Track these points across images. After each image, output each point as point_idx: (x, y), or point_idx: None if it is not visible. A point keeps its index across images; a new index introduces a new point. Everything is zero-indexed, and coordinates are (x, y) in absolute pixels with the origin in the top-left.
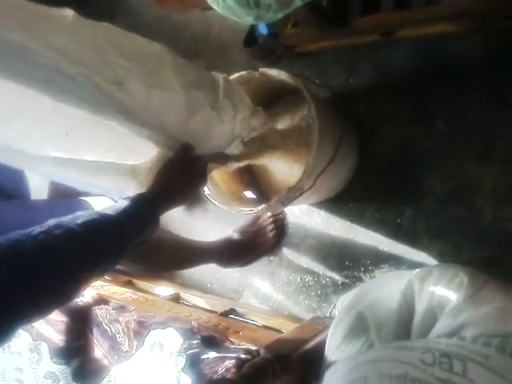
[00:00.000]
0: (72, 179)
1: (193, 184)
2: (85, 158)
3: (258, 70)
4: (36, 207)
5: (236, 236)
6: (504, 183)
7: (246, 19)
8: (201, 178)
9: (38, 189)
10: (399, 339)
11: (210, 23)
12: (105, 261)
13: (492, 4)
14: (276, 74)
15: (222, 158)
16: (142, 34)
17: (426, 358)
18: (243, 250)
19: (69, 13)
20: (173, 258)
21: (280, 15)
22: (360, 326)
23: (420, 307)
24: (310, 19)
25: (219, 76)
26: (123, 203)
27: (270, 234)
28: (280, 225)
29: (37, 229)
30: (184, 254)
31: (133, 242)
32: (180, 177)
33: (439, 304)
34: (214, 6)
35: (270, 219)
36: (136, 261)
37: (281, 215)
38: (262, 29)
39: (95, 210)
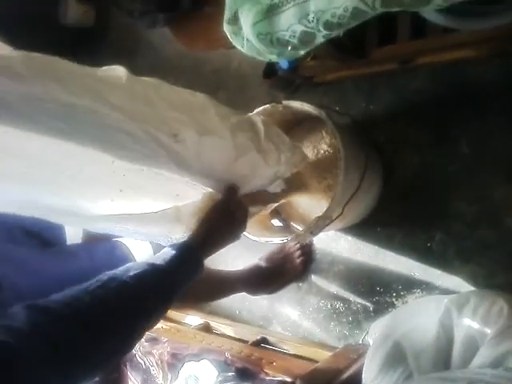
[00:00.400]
0: (121, 231)
1: (235, 230)
2: (133, 210)
3: (280, 103)
4: (76, 254)
5: (263, 263)
6: None
7: (269, 57)
8: (243, 223)
9: (72, 232)
10: (439, 369)
11: (229, 57)
12: (158, 310)
13: (507, 32)
14: (299, 105)
15: (262, 201)
16: (163, 69)
17: None
18: (271, 277)
19: (122, 73)
20: (206, 290)
21: (302, 52)
22: (397, 356)
23: (459, 336)
24: (330, 52)
25: (257, 118)
26: (170, 252)
27: (297, 261)
28: (307, 251)
29: (93, 284)
30: (216, 286)
31: (181, 289)
32: (223, 223)
33: (479, 332)
34: (239, 47)
35: (297, 245)
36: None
37: (307, 241)
38: (283, 63)
39: (145, 260)
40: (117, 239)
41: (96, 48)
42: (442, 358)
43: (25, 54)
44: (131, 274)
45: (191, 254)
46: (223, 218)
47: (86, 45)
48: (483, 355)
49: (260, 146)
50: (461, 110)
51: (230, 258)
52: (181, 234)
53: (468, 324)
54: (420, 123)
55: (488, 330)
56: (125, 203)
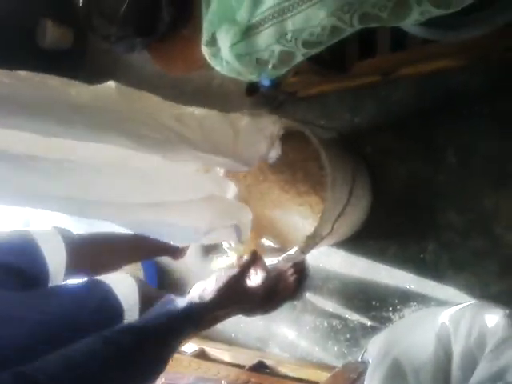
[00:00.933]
0: (157, 223)
1: (242, 302)
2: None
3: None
4: (59, 296)
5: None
6: None
7: (249, 77)
8: (252, 300)
9: (56, 270)
10: None
11: (211, 75)
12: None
13: (486, 41)
14: (280, 121)
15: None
16: (143, 88)
17: None
18: (265, 297)
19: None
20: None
21: (282, 71)
22: (397, 374)
23: (457, 350)
24: (311, 68)
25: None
26: (186, 308)
27: (291, 279)
28: (300, 268)
29: (112, 334)
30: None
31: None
32: (235, 293)
33: (477, 345)
34: (218, 68)
35: (290, 263)
36: None
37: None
38: (265, 81)
39: (163, 310)
40: (98, 278)
41: (75, 70)
42: (442, 374)
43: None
44: (149, 325)
45: (203, 313)
46: (236, 291)
47: (65, 67)
48: (482, 370)
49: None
50: (445, 120)
51: None
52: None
53: (465, 339)
54: (406, 134)
55: (486, 344)
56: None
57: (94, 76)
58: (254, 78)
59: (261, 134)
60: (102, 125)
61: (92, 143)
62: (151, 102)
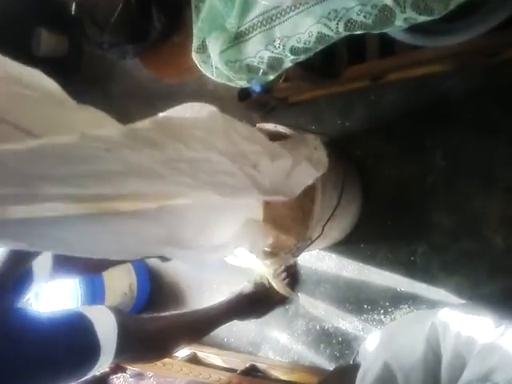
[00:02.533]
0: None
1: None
2: None
3: (255, 126)
4: (39, 321)
5: (249, 288)
6: (510, 212)
7: (239, 83)
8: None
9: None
10: None
11: (204, 81)
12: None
13: (473, 45)
14: (272, 127)
15: None
16: (139, 95)
17: None
18: (257, 301)
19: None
20: (186, 338)
21: (271, 77)
22: (387, 377)
23: (446, 352)
24: (300, 74)
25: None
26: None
27: (283, 283)
28: (292, 272)
29: None
30: (204, 327)
31: None
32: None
33: (466, 347)
34: (209, 75)
35: (282, 267)
36: (150, 355)
37: (291, 262)
38: (255, 86)
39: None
40: (78, 309)
41: (71, 77)
42: (432, 376)
43: (155, 122)
44: None
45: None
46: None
47: (60, 74)
48: (471, 370)
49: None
50: (433, 123)
51: (215, 284)
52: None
53: (454, 339)
54: (395, 137)
55: (474, 346)
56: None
57: (89, 83)
58: (244, 83)
59: (309, 165)
60: None
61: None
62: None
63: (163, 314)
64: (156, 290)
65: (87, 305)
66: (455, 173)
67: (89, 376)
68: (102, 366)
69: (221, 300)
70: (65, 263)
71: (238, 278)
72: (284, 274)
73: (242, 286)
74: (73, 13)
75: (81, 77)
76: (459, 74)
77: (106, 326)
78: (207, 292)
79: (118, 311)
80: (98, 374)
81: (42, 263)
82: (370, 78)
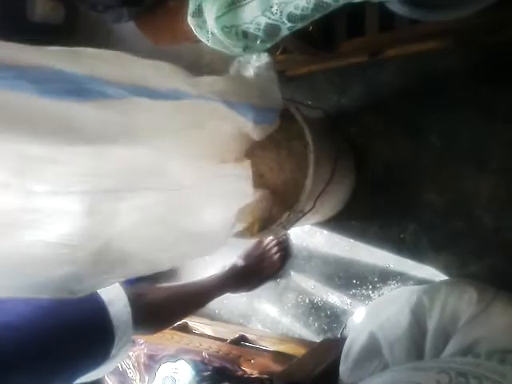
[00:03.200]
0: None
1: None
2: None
3: None
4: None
5: (240, 262)
6: (502, 193)
7: (235, 50)
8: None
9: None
10: (413, 358)
11: (200, 53)
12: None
13: (472, 22)
14: None
15: None
16: None
17: (442, 379)
18: (249, 275)
19: None
20: (187, 309)
21: (268, 45)
22: (372, 348)
23: (431, 325)
24: (298, 46)
25: None
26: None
27: (275, 257)
28: (284, 246)
29: None
30: (196, 301)
31: None
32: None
33: (451, 320)
34: (204, 40)
35: (274, 242)
36: (155, 326)
37: (284, 236)
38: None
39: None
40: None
41: (67, 44)
42: (416, 348)
43: None
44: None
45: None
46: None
47: (56, 41)
48: (454, 344)
49: None
50: (430, 102)
51: (208, 257)
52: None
53: (440, 313)
54: (391, 115)
55: (458, 319)
56: None
57: (88, 47)
58: (239, 51)
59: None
60: None
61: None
62: None
63: (165, 285)
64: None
65: None
66: (449, 152)
67: (109, 364)
68: (122, 350)
69: (214, 273)
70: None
71: (230, 251)
72: (276, 248)
73: (234, 259)
74: None
75: (76, 44)
76: (458, 52)
77: (118, 305)
78: (199, 263)
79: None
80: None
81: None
82: (368, 53)
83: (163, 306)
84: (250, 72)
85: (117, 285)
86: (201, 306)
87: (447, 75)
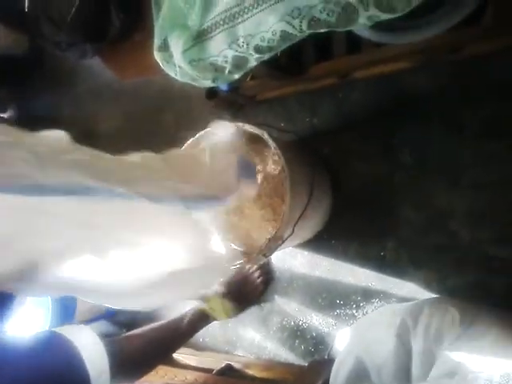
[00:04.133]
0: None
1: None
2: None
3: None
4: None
5: (222, 290)
6: (476, 206)
7: (204, 83)
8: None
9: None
10: (401, 381)
11: (171, 80)
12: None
13: (437, 43)
14: (240, 126)
15: None
16: (105, 94)
17: None
18: (232, 302)
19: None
20: (169, 349)
21: (236, 76)
22: (360, 372)
23: (416, 346)
24: (267, 72)
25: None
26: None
27: (257, 281)
28: (266, 270)
29: None
30: (179, 338)
31: None
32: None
33: (435, 342)
34: (172, 74)
35: (255, 266)
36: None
37: (265, 260)
38: (222, 85)
39: None
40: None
41: (33, 76)
42: (403, 371)
43: None
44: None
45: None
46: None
47: (21, 73)
48: (440, 365)
49: None
50: (401, 120)
51: None
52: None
53: (423, 335)
54: (363, 135)
55: (443, 339)
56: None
57: (53, 82)
58: (208, 83)
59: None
60: None
61: None
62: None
63: (141, 330)
64: None
65: (57, 315)
66: (422, 169)
67: None
68: None
69: (195, 304)
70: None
71: None
72: (258, 273)
73: (215, 287)
74: (26, 9)
75: (44, 76)
76: (424, 70)
77: (94, 355)
78: None
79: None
80: None
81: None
82: (338, 75)
83: (143, 354)
84: (206, 153)
85: (96, 339)
86: (184, 341)
87: (416, 93)
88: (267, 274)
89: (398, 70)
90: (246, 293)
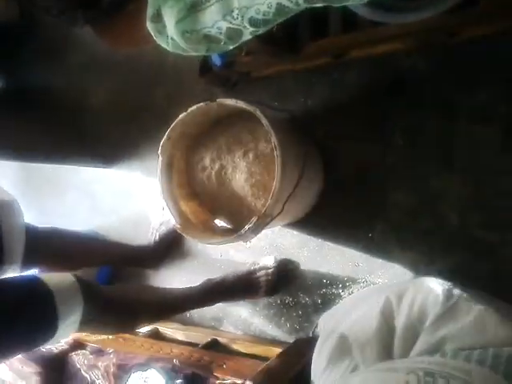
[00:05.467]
0: None
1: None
2: None
3: (214, 101)
4: None
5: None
6: (466, 191)
7: (195, 54)
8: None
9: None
10: (383, 358)
11: (163, 53)
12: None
13: (433, 24)
14: (233, 103)
15: None
16: (96, 66)
17: (411, 379)
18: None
19: None
20: (155, 308)
21: (230, 47)
22: (343, 348)
23: (400, 324)
24: (262, 48)
25: None
26: None
27: (261, 280)
28: (280, 270)
29: None
30: (174, 309)
31: None
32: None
33: (418, 320)
34: (164, 45)
35: (266, 265)
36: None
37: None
38: (216, 59)
39: None
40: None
41: (23, 45)
42: (385, 348)
43: None
44: None
45: None
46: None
47: (12, 42)
48: (422, 342)
49: None
50: (394, 102)
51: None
52: None
53: (407, 313)
54: (356, 117)
55: (426, 318)
56: None
57: (43, 52)
58: (201, 53)
59: None
60: None
61: None
62: None
63: (134, 285)
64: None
65: None
66: (414, 152)
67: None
68: (62, 337)
69: (194, 286)
70: (34, 256)
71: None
72: (264, 271)
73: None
74: None
75: (34, 46)
76: (420, 54)
77: (67, 296)
78: (170, 270)
79: (81, 279)
80: (55, 351)
81: (13, 253)
82: (333, 54)
83: (126, 302)
84: None
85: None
86: (171, 316)
87: (411, 76)
88: (279, 273)
89: (394, 52)
90: (244, 287)
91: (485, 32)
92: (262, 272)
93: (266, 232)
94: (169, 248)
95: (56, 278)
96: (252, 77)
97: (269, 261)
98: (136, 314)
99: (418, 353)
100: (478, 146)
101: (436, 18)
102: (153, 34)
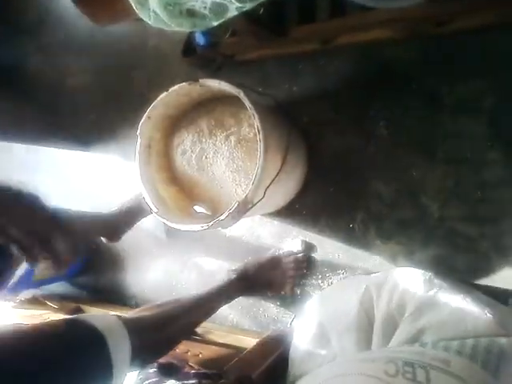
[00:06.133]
0: None
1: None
2: None
3: (197, 81)
4: None
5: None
6: (448, 182)
7: (177, 29)
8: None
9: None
10: (362, 348)
11: (146, 34)
12: None
13: (423, 12)
14: (216, 84)
15: None
16: (74, 46)
17: (390, 369)
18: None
19: None
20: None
21: (215, 23)
22: (321, 338)
23: (379, 314)
24: (248, 28)
25: None
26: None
27: (290, 272)
28: (302, 264)
29: None
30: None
31: None
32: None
33: (398, 310)
34: (145, 19)
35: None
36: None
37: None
38: (200, 39)
39: None
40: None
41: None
42: (364, 337)
43: None
44: None
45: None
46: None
47: None
48: (402, 332)
49: None
50: (379, 91)
51: (155, 248)
52: None
53: (387, 302)
54: (341, 105)
55: (405, 308)
56: None
57: (19, 31)
58: (185, 29)
59: None
60: None
61: None
62: None
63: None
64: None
65: None
66: (397, 142)
67: None
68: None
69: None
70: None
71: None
72: (293, 264)
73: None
74: None
75: (8, 23)
76: (409, 43)
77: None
78: (146, 257)
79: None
80: None
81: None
82: (320, 39)
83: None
84: None
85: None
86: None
87: (397, 64)
88: (302, 268)
89: (381, 40)
90: (270, 277)
91: (472, 23)
92: (291, 258)
93: (246, 221)
94: (133, 218)
95: (102, 319)
96: (236, 60)
97: (295, 245)
98: (178, 337)
99: (397, 343)
100: (461, 137)
101: (424, 6)
102: (134, 6)
